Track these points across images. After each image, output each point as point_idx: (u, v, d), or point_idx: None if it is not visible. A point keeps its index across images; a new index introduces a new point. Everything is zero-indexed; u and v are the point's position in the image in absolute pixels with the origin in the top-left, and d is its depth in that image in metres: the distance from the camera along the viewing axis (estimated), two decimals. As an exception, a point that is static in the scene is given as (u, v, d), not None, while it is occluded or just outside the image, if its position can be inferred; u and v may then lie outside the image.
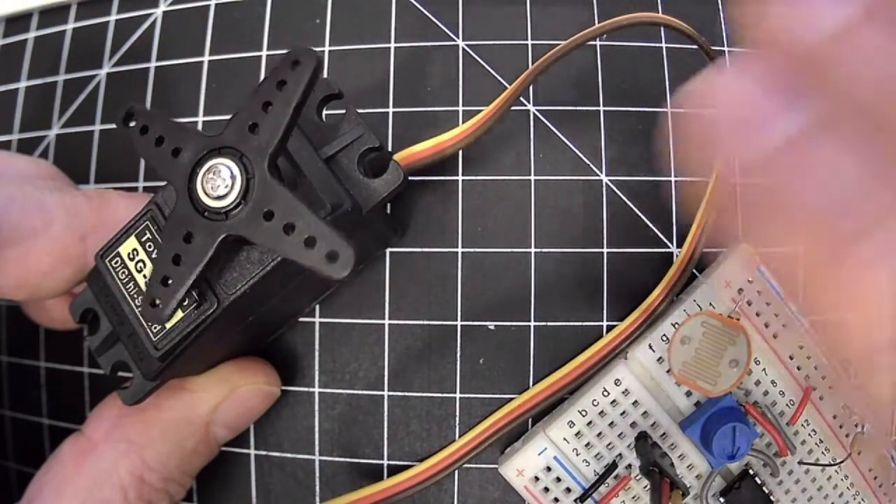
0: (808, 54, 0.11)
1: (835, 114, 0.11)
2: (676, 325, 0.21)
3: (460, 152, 0.23)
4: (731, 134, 0.11)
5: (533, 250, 0.23)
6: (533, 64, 0.21)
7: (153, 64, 0.26)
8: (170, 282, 0.16)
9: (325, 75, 0.24)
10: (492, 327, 0.23)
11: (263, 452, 0.24)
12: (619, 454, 0.21)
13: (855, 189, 0.10)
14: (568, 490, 0.21)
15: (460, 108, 0.24)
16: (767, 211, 0.11)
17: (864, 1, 0.11)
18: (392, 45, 0.24)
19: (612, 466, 0.21)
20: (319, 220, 0.15)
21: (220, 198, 0.15)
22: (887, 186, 0.10)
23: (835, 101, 0.11)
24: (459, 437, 0.23)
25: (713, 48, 0.20)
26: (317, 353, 0.23)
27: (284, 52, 0.16)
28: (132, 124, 0.17)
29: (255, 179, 0.15)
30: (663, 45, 0.24)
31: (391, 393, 0.23)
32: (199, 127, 0.25)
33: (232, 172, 0.15)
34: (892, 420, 0.21)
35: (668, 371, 0.21)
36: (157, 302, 0.16)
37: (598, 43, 0.24)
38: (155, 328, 0.17)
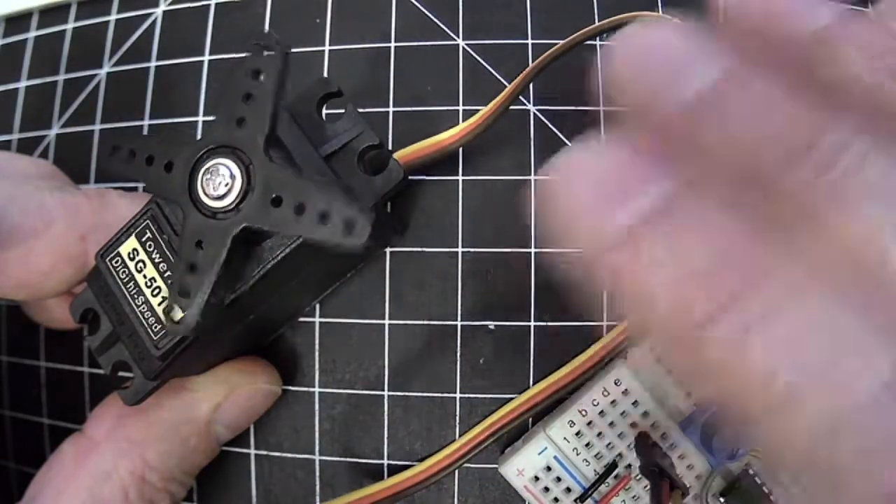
0: (670, 122, 0.11)
1: (703, 176, 0.10)
2: (676, 325, 0.21)
3: (460, 152, 0.23)
4: (590, 212, 0.10)
5: (533, 250, 0.23)
6: (533, 63, 0.21)
7: (153, 64, 0.26)
8: (190, 292, 0.16)
9: (325, 75, 0.24)
10: (492, 327, 0.23)
11: (263, 452, 0.24)
12: (619, 454, 0.21)
13: (728, 250, 0.10)
14: (568, 490, 0.21)
15: (460, 108, 0.24)
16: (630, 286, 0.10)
17: (724, 63, 0.10)
18: (392, 45, 0.24)
19: (612, 466, 0.21)
20: (328, 193, 0.15)
21: (222, 196, 0.15)
22: (763, 245, 0.10)
23: (701, 164, 0.10)
24: (459, 437, 0.23)
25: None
26: (317, 353, 0.23)
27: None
28: (119, 153, 0.17)
29: (255, 169, 0.15)
30: (663, 44, 0.24)
31: (391, 393, 0.23)
32: (199, 127, 0.25)
33: (230, 169, 0.15)
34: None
35: (668, 371, 0.21)
36: (182, 314, 0.16)
37: (598, 42, 0.24)
38: (155, 328, 0.17)
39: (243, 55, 0.16)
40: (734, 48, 0.11)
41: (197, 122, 0.25)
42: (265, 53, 0.16)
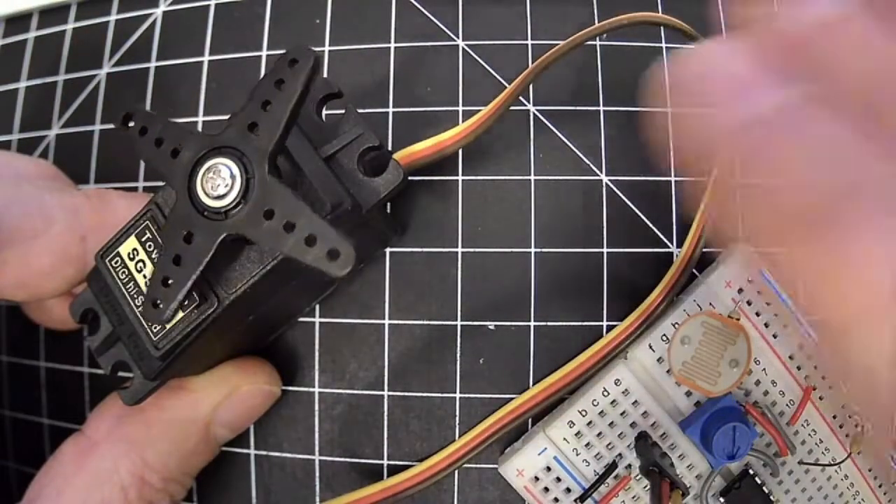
0: (798, 41, 0.11)
1: (825, 94, 0.10)
2: (676, 325, 0.21)
3: (460, 152, 0.23)
4: (722, 99, 0.11)
5: (533, 250, 0.23)
6: (533, 64, 0.21)
7: (153, 64, 0.26)
8: (170, 282, 0.16)
9: (325, 75, 0.24)
10: (492, 327, 0.23)
11: (263, 452, 0.24)
12: (619, 454, 0.21)
13: (851, 158, 0.10)
14: (568, 490, 0.21)
15: (460, 108, 0.24)
16: (762, 196, 0.11)
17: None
18: (392, 45, 0.24)
19: (612, 466, 0.21)
20: (319, 218, 0.15)
21: (220, 197, 0.15)
22: (885, 160, 0.10)
23: (824, 85, 0.11)
24: (459, 437, 0.23)
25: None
26: (317, 353, 0.23)
27: (282, 51, 0.16)
28: (131, 125, 0.17)
29: (255, 179, 0.15)
30: (663, 44, 0.24)
31: (391, 393, 0.23)
32: (200, 127, 0.25)
33: (231, 172, 0.15)
34: (892, 421, 0.21)
35: (668, 371, 0.21)
36: (159, 302, 0.16)
37: (597, 43, 0.24)
38: (155, 328, 0.17)
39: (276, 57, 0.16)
40: None
41: (197, 122, 0.25)
42: (294, 65, 0.16)
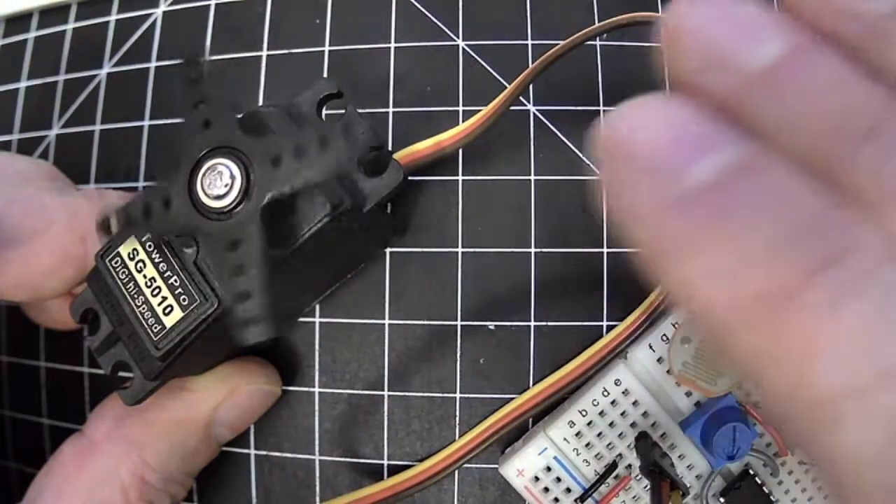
0: (731, 96, 0.10)
1: (771, 153, 0.09)
2: (676, 325, 0.21)
3: (460, 152, 0.23)
4: (651, 168, 0.09)
5: (533, 250, 0.23)
6: (533, 64, 0.21)
7: (153, 64, 0.26)
8: (249, 293, 0.15)
9: (325, 75, 0.24)
10: (492, 327, 0.23)
11: (263, 452, 0.24)
12: (620, 454, 0.21)
13: (814, 218, 0.09)
14: (568, 490, 0.21)
15: (460, 108, 0.24)
16: (701, 244, 0.09)
17: (791, 36, 0.10)
18: (392, 45, 0.24)
19: (613, 466, 0.21)
20: (308, 127, 0.15)
21: (224, 196, 0.16)
22: (846, 218, 0.09)
23: (770, 141, 0.09)
24: (459, 437, 0.23)
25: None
26: (317, 353, 0.23)
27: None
28: (113, 226, 0.17)
29: (242, 150, 0.16)
30: (663, 44, 0.24)
31: (391, 393, 0.23)
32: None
33: (225, 166, 0.16)
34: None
35: (668, 371, 0.21)
36: (253, 318, 0.15)
37: (597, 43, 0.24)
38: (156, 328, 0.17)
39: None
40: (799, 24, 0.10)
41: (197, 122, 0.25)
42: (192, 64, 0.16)
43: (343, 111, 0.19)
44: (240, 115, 0.17)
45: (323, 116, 0.20)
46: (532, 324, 0.23)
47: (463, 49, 0.24)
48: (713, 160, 0.09)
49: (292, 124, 0.18)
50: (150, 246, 0.17)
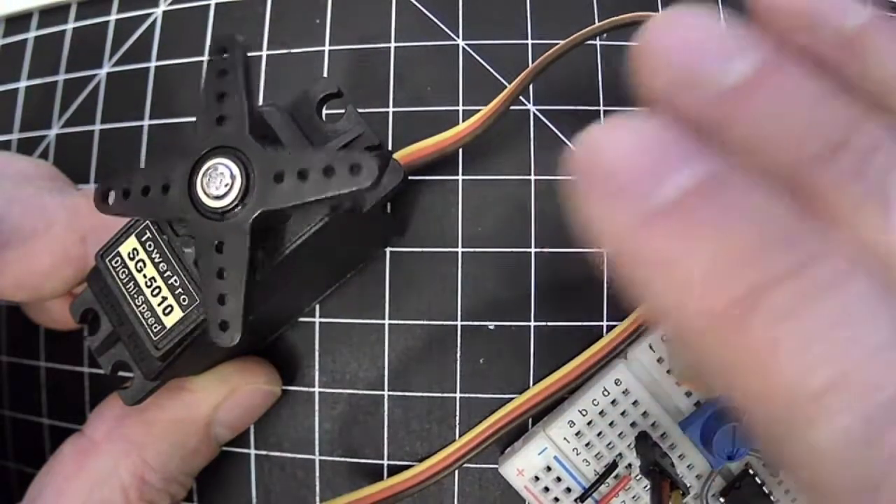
0: (706, 111, 0.10)
1: (741, 164, 0.10)
2: (676, 325, 0.21)
3: (460, 152, 0.23)
4: (626, 188, 0.09)
5: (533, 250, 0.23)
6: (533, 64, 0.21)
7: (153, 64, 0.26)
8: (227, 299, 0.15)
9: (325, 75, 0.24)
10: (492, 327, 0.23)
11: (263, 452, 0.24)
12: (620, 454, 0.21)
13: (780, 229, 0.09)
14: (568, 490, 0.21)
15: (460, 108, 0.24)
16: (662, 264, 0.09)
17: (759, 54, 0.10)
18: (392, 45, 0.24)
19: (613, 466, 0.21)
20: (322, 150, 0.15)
21: (226, 194, 0.16)
22: (811, 229, 0.09)
23: (738, 157, 0.10)
24: (459, 437, 0.23)
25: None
26: (317, 353, 0.23)
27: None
28: (111, 198, 0.17)
29: (248, 158, 0.16)
30: (663, 44, 0.24)
31: (391, 393, 0.23)
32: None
33: (226, 167, 0.16)
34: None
35: (668, 371, 0.21)
36: (227, 323, 0.15)
37: (597, 43, 0.24)
38: (156, 328, 0.17)
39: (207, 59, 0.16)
40: (769, 41, 0.10)
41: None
42: (225, 55, 0.16)
43: (343, 111, 0.19)
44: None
45: (323, 116, 0.20)
46: (532, 324, 0.23)
47: (463, 49, 0.24)
48: (680, 178, 0.09)
49: (295, 128, 0.18)
50: (150, 246, 0.17)
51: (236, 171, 0.15)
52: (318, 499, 0.23)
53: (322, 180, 0.15)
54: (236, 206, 0.15)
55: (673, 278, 0.09)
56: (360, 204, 0.18)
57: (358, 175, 0.14)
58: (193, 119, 0.25)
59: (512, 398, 0.22)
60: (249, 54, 0.16)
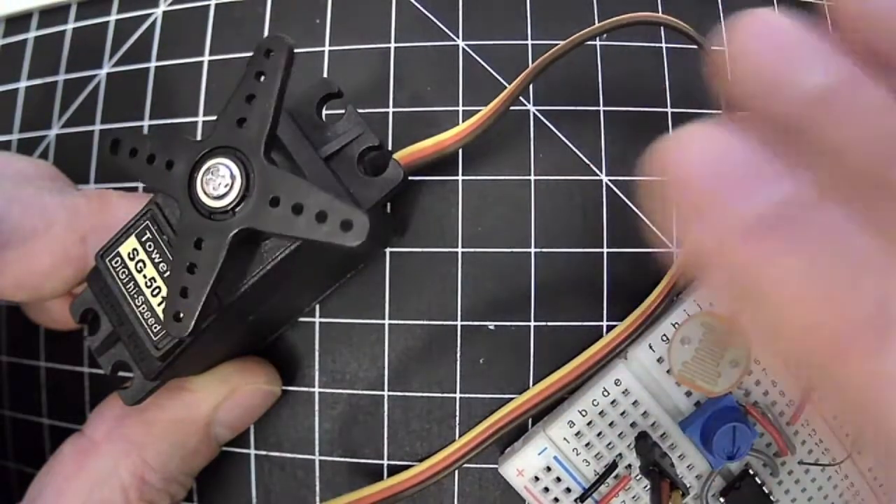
0: (794, 120, 0.10)
1: (831, 180, 0.10)
2: (676, 325, 0.21)
3: (460, 152, 0.23)
4: (710, 198, 0.10)
5: (533, 250, 0.23)
6: (533, 64, 0.21)
7: (153, 64, 0.26)
8: (189, 292, 0.16)
9: (325, 75, 0.24)
10: (492, 327, 0.23)
11: (263, 452, 0.24)
12: (619, 454, 0.21)
13: (862, 263, 0.09)
14: (568, 490, 0.21)
15: (460, 108, 0.24)
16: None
17: (844, 62, 0.10)
18: (392, 45, 0.24)
19: (612, 466, 0.21)
20: (325, 193, 0.15)
21: (222, 196, 0.15)
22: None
23: (826, 167, 0.10)
24: (459, 437, 0.23)
25: (713, 48, 0.20)
26: (317, 353, 0.23)
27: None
28: (121, 149, 0.17)
29: (254, 170, 0.15)
30: (663, 44, 0.24)
31: (391, 393, 0.23)
32: (199, 127, 0.25)
33: (230, 170, 0.15)
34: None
35: (668, 371, 0.21)
36: (181, 314, 0.16)
37: (598, 43, 0.24)
38: (155, 328, 0.17)
39: (250, 54, 0.16)
40: (852, 47, 0.10)
41: (197, 122, 0.25)
42: (270, 55, 0.16)
43: (343, 111, 0.19)
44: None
45: (323, 117, 0.20)
46: (532, 324, 0.23)
47: (463, 49, 0.24)
48: (774, 192, 0.09)
49: (295, 127, 0.18)
50: (150, 246, 0.17)
51: (238, 180, 0.15)
52: (318, 499, 0.23)
53: (312, 223, 0.15)
54: (226, 211, 0.15)
55: (776, 292, 0.09)
56: (360, 203, 0.18)
57: (347, 232, 0.14)
58: (193, 119, 0.25)
59: (512, 398, 0.22)
60: (249, 54, 0.16)
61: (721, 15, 0.24)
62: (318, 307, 0.23)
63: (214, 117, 0.24)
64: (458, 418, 0.23)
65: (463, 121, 0.21)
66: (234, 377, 0.21)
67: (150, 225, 0.18)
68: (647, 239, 0.23)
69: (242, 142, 0.16)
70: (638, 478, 0.21)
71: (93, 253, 0.18)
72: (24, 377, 0.26)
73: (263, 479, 0.24)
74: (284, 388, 0.23)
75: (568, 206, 0.23)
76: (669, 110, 0.23)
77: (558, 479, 0.21)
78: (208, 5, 0.26)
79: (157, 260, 0.17)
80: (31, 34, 0.27)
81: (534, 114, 0.24)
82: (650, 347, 0.21)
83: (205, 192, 0.16)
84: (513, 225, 0.23)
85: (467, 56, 0.24)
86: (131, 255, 0.18)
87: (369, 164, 0.19)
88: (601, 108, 0.23)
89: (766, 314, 0.10)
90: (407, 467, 0.22)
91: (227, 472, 0.24)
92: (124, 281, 0.18)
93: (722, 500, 0.21)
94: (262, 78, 0.16)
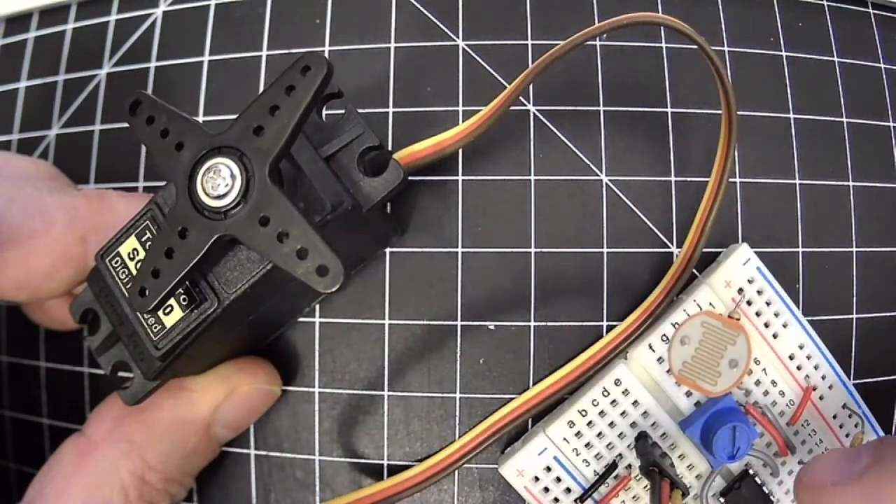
0: None
1: None
2: (676, 325, 0.21)
3: (460, 152, 0.23)
4: None
5: (533, 250, 0.23)
6: (533, 64, 0.21)
7: (153, 64, 0.26)
8: (160, 274, 0.16)
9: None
10: (492, 327, 0.23)
11: (263, 452, 0.24)
12: (619, 454, 0.21)
13: None
14: (568, 490, 0.21)
15: (460, 108, 0.24)
16: None
17: None
18: (392, 45, 0.24)
19: (612, 466, 0.21)
20: (314, 232, 0.15)
21: (219, 197, 0.15)
22: None
23: None
24: (459, 437, 0.23)
25: (713, 48, 0.20)
26: (317, 353, 0.23)
27: (295, 54, 0.16)
28: (140, 111, 0.17)
29: (255, 182, 0.15)
30: (663, 45, 0.24)
31: (391, 393, 0.23)
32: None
33: (232, 172, 0.15)
34: None
35: (668, 371, 0.21)
36: (146, 291, 0.16)
37: (598, 43, 0.24)
38: (155, 328, 0.17)
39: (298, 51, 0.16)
40: None
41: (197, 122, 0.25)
42: (307, 73, 0.15)
43: (343, 111, 0.19)
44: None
45: (323, 116, 0.20)
46: (532, 324, 0.23)
47: (463, 49, 0.24)
48: None
49: (303, 140, 0.18)
50: (150, 246, 0.17)
51: (237, 186, 0.15)
52: (317, 499, 0.23)
53: (291, 256, 0.15)
54: (218, 212, 0.15)
55: None
56: (360, 203, 0.18)
57: (321, 277, 0.14)
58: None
59: (512, 398, 0.22)
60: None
61: (721, 15, 0.24)
62: (318, 307, 0.23)
63: (214, 117, 0.25)
64: (458, 418, 0.23)
65: (463, 121, 0.21)
66: (234, 377, 0.21)
67: (150, 225, 0.18)
68: (647, 239, 0.23)
69: (253, 150, 0.16)
70: (638, 478, 0.21)
71: (93, 253, 0.18)
72: (24, 377, 0.26)
73: (263, 479, 0.24)
74: (284, 388, 0.23)
75: (568, 206, 0.23)
76: (669, 110, 0.23)
77: (558, 480, 0.21)
78: (208, 5, 0.26)
79: (149, 250, 0.17)
80: (31, 34, 0.28)
81: (534, 114, 0.24)
82: (650, 347, 0.21)
83: (203, 188, 0.16)
84: (513, 225, 0.23)
85: (467, 56, 0.24)
86: (131, 255, 0.18)
87: (369, 164, 0.19)
88: (601, 108, 0.23)
89: None
90: (407, 467, 0.22)
91: (227, 472, 0.24)
92: (124, 281, 0.18)
93: (722, 500, 0.21)
94: (292, 93, 0.15)
